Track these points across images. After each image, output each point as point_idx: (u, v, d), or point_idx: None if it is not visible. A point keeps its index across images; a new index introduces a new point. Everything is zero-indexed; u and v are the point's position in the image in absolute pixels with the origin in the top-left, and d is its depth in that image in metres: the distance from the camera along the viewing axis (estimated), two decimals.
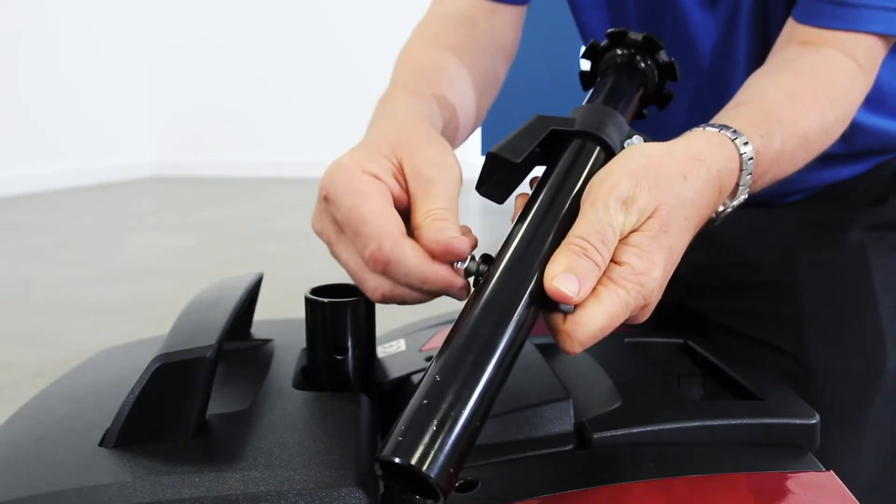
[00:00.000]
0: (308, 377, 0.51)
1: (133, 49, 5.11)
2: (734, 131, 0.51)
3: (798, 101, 0.59)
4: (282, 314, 0.66)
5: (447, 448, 0.33)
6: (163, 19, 5.16)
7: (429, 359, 0.59)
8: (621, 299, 0.41)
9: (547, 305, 0.40)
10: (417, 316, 0.76)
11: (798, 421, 0.46)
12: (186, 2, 5.11)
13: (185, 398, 0.41)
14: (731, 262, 0.81)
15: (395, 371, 0.58)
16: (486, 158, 0.47)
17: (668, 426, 0.45)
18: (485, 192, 0.49)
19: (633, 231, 0.43)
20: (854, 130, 0.72)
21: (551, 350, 0.56)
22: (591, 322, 0.40)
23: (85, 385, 0.51)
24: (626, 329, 0.72)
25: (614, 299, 0.40)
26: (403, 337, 0.67)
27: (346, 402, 0.46)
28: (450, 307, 0.79)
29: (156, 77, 5.26)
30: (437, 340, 0.64)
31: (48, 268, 2.53)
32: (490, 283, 0.39)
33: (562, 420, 0.45)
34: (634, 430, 0.45)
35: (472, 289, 0.43)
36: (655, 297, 0.43)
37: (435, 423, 0.33)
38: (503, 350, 0.37)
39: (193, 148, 5.33)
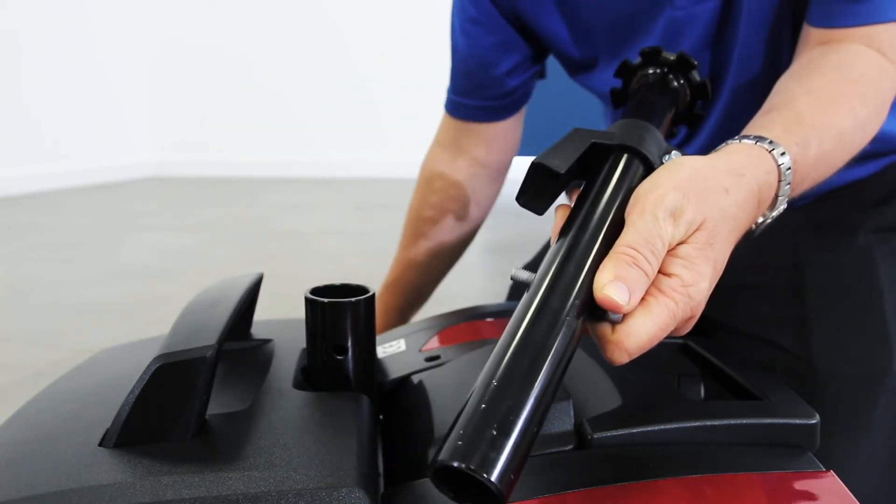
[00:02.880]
0: (308, 377, 0.51)
1: (133, 49, 5.10)
2: (771, 142, 0.51)
3: (829, 101, 0.58)
4: (282, 314, 0.66)
5: (507, 452, 0.32)
6: (163, 19, 5.16)
7: (429, 359, 0.59)
8: (670, 310, 0.41)
9: (595, 315, 0.40)
10: (418, 316, 0.76)
11: (798, 421, 0.46)
12: (186, 2, 5.11)
13: (185, 398, 0.41)
14: (735, 262, 0.81)
15: (395, 371, 0.58)
16: (531, 168, 0.47)
17: (667, 426, 0.45)
18: (524, 202, 0.49)
19: (680, 243, 0.43)
20: None
21: None
22: (640, 332, 0.40)
23: (85, 385, 0.51)
24: None
25: (663, 310, 0.41)
26: (403, 337, 0.67)
27: (346, 402, 0.46)
28: (450, 308, 0.79)
29: (156, 77, 5.25)
30: (438, 340, 0.64)
31: (48, 268, 2.53)
32: (540, 290, 0.39)
33: (562, 420, 0.45)
34: (634, 431, 0.45)
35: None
36: (700, 310, 0.43)
37: (495, 427, 0.32)
38: (556, 356, 0.36)
39: (193, 148, 5.33)
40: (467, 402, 0.34)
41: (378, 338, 0.54)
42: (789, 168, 0.51)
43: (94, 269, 2.50)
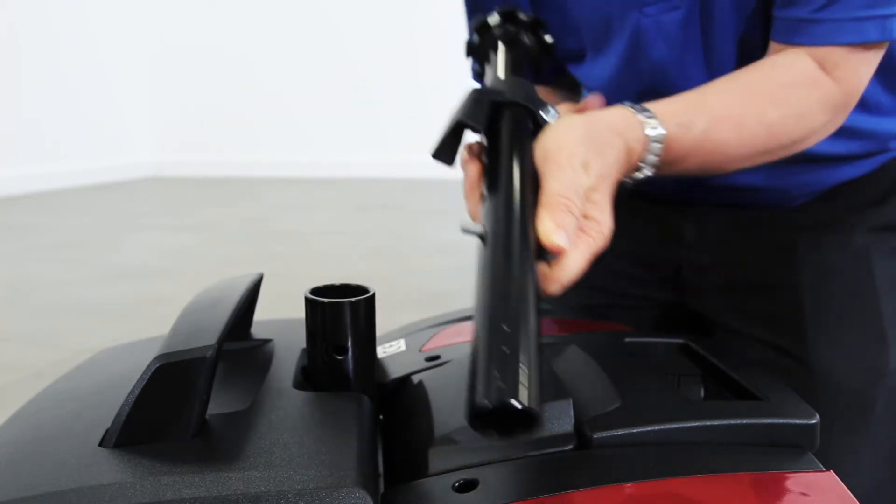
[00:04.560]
0: (308, 377, 0.51)
1: (133, 49, 5.11)
2: (650, 116, 0.58)
3: (740, 95, 0.64)
4: (282, 314, 0.66)
5: (536, 382, 0.36)
6: (163, 20, 5.16)
7: (429, 359, 0.59)
8: (591, 247, 0.49)
9: (536, 256, 0.47)
10: (418, 316, 0.76)
11: (798, 421, 0.46)
12: (186, 2, 5.11)
13: (185, 398, 0.41)
14: (733, 262, 0.81)
15: (395, 371, 0.58)
16: (454, 127, 0.55)
17: (667, 426, 0.45)
18: (441, 157, 0.57)
19: (591, 190, 0.51)
20: (852, 133, 0.72)
21: (551, 350, 0.56)
22: (572, 266, 0.48)
23: (85, 385, 0.51)
24: (626, 329, 0.72)
25: (586, 247, 0.49)
26: (403, 337, 0.67)
27: (346, 402, 0.46)
28: (450, 308, 0.79)
29: (156, 77, 5.25)
30: (437, 340, 0.64)
31: (48, 268, 2.53)
32: (500, 243, 0.45)
33: (562, 420, 0.45)
34: (634, 431, 0.45)
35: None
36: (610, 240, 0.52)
37: (522, 363, 0.37)
38: (534, 295, 0.42)
39: (193, 148, 5.33)
40: (480, 347, 0.38)
41: (378, 338, 0.54)
42: (658, 143, 0.58)
43: (94, 269, 2.50)
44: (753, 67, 0.66)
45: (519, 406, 0.35)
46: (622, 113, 0.58)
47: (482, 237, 0.47)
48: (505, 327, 0.38)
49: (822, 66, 0.64)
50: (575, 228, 0.48)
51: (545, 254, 0.47)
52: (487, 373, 0.36)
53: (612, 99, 0.72)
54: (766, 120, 0.63)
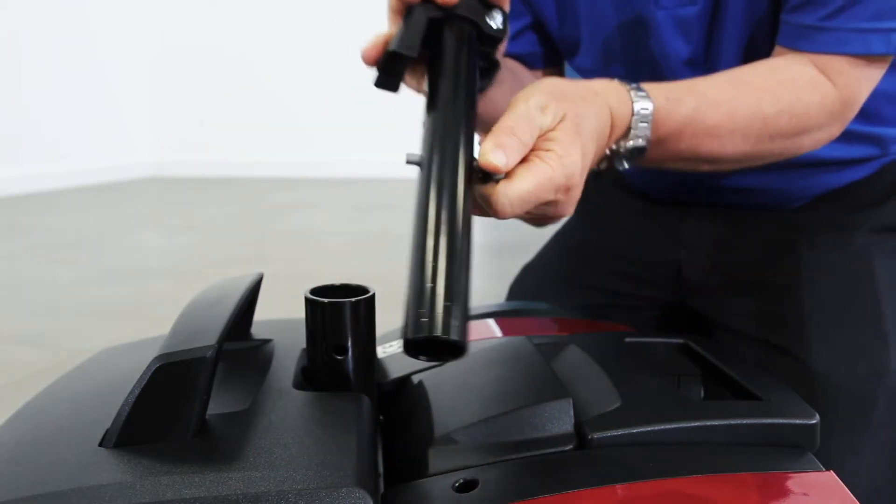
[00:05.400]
0: (308, 377, 0.51)
1: (133, 50, 5.10)
2: (637, 87, 0.59)
3: (736, 86, 0.64)
4: (282, 314, 0.66)
5: (461, 315, 0.40)
6: (163, 20, 5.16)
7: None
8: (546, 173, 0.48)
9: (483, 179, 0.48)
10: None
11: (798, 421, 0.46)
12: (186, 2, 5.11)
13: (185, 398, 0.41)
14: (733, 262, 0.81)
15: (395, 371, 0.58)
16: (387, 57, 0.55)
17: (667, 426, 0.45)
18: (382, 86, 0.57)
19: (550, 130, 0.51)
20: (854, 138, 0.73)
21: (551, 350, 0.56)
22: (520, 184, 0.47)
23: (85, 385, 0.51)
24: (626, 329, 0.72)
25: (539, 170, 0.48)
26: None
27: (346, 402, 0.46)
28: None
29: (156, 77, 5.25)
30: None
31: (48, 268, 2.53)
32: (433, 170, 0.45)
33: (562, 420, 0.45)
34: (634, 431, 0.45)
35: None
36: (577, 186, 0.51)
37: (447, 299, 0.40)
38: (466, 224, 0.43)
39: (193, 148, 5.32)
40: (413, 279, 0.41)
41: (378, 338, 0.54)
42: (647, 109, 0.58)
43: (94, 269, 2.50)
44: (752, 64, 0.66)
45: (442, 338, 0.38)
46: (609, 81, 0.59)
47: (420, 165, 0.47)
48: (430, 259, 0.41)
49: (824, 72, 0.65)
50: (518, 149, 0.48)
51: (493, 176, 0.48)
52: (413, 307, 0.39)
53: None
54: (761, 112, 0.63)
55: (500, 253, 2.74)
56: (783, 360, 0.73)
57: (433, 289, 0.40)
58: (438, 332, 0.39)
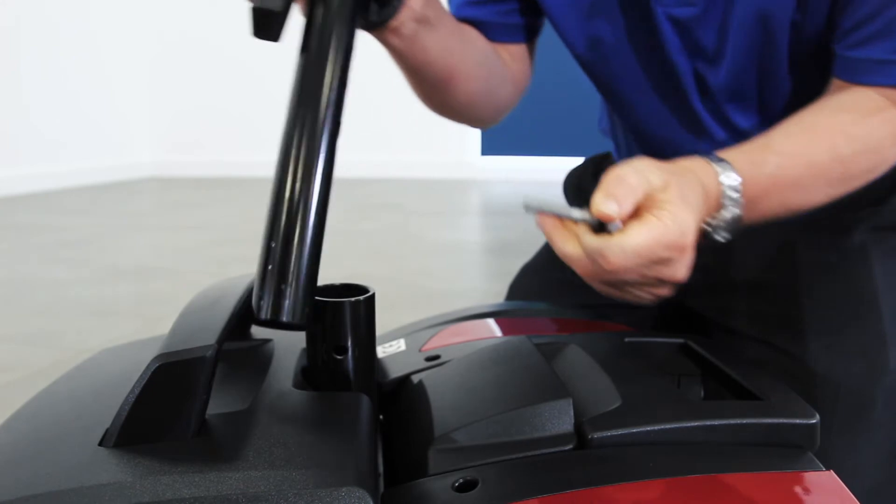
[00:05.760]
0: (308, 377, 0.51)
1: (133, 49, 5.10)
2: (717, 158, 0.60)
3: (808, 133, 0.64)
4: None
5: (301, 296, 0.44)
6: (163, 19, 5.16)
7: (429, 359, 0.59)
8: (661, 227, 0.49)
9: (598, 230, 0.50)
10: (418, 316, 0.76)
11: (798, 421, 0.46)
12: (186, 2, 5.11)
13: (185, 398, 0.41)
14: (732, 262, 0.81)
15: (395, 371, 0.58)
16: (254, 14, 0.57)
17: (667, 426, 0.45)
18: (261, 37, 0.59)
19: (659, 192, 0.51)
20: None
21: (551, 350, 0.56)
22: (635, 236, 0.48)
23: (85, 385, 0.51)
24: (627, 329, 0.72)
25: (655, 224, 0.49)
26: (403, 337, 0.67)
27: (346, 402, 0.46)
28: (450, 308, 0.79)
29: (156, 77, 5.25)
30: (437, 340, 0.64)
31: (48, 268, 2.53)
32: (284, 156, 0.47)
33: (562, 420, 0.45)
34: (634, 430, 0.45)
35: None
36: (689, 247, 0.51)
37: (285, 282, 0.44)
38: (320, 205, 0.46)
39: (193, 148, 5.32)
40: (262, 257, 0.44)
41: (378, 338, 0.54)
42: (734, 180, 0.58)
43: (94, 269, 2.50)
44: (819, 107, 0.66)
45: (283, 320, 0.44)
46: (693, 158, 0.60)
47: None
48: (273, 244, 0.44)
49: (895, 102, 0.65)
50: (630, 198, 0.49)
51: (608, 226, 0.50)
52: (258, 289, 0.44)
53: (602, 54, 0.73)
54: (839, 156, 0.64)
55: (500, 252, 2.74)
56: (783, 360, 0.73)
57: (270, 271, 0.44)
58: (278, 315, 0.44)
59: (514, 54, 0.86)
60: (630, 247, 0.48)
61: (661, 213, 0.50)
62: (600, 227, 0.50)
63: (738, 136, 0.78)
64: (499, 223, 3.55)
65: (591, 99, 0.92)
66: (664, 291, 0.55)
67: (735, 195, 0.58)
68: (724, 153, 0.61)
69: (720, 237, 0.60)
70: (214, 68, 5.16)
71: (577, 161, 1.04)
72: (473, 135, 4.87)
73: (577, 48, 0.81)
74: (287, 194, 0.46)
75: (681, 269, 0.52)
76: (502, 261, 2.51)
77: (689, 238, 0.51)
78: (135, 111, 5.19)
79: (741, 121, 0.78)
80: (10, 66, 4.25)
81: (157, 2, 5.13)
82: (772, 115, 0.75)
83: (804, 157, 0.63)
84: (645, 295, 0.56)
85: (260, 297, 0.44)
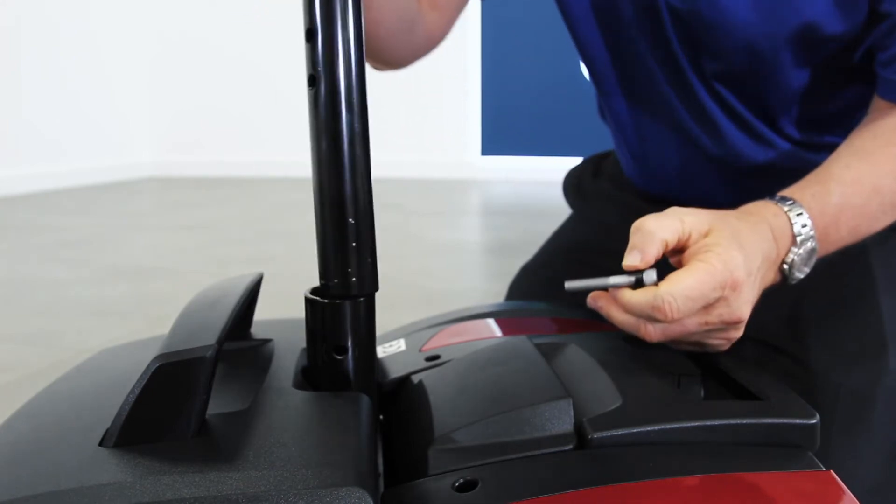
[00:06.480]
0: (308, 377, 0.51)
1: (133, 49, 5.10)
2: (780, 197, 0.61)
3: (867, 159, 0.65)
4: (282, 314, 0.66)
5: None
6: (163, 19, 5.16)
7: (429, 359, 0.59)
8: (706, 268, 0.49)
9: (636, 285, 0.51)
10: (418, 316, 0.76)
11: (798, 421, 0.46)
12: (186, 2, 5.11)
13: (185, 398, 0.41)
14: None
15: (395, 371, 0.58)
16: None
17: (667, 426, 0.45)
18: None
19: (704, 237, 0.52)
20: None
21: (551, 350, 0.56)
22: (679, 285, 0.49)
23: (85, 385, 0.51)
24: None
25: (700, 266, 0.50)
26: (403, 337, 0.67)
27: (346, 402, 0.46)
28: (450, 308, 0.79)
29: (156, 77, 5.25)
30: (437, 340, 0.64)
31: (48, 268, 2.53)
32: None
33: (562, 420, 0.45)
34: (634, 430, 0.45)
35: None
36: (744, 283, 0.51)
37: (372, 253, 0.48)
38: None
39: (193, 148, 5.32)
40: (336, 235, 0.47)
41: (378, 338, 0.54)
42: (801, 213, 0.59)
43: (94, 269, 2.50)
44: (870, 132, 0.68)
45: (375, 291, 0.47)
46: (755, 202, 0.61)
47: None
48: (351, 221, 0.47)
49: None
50: (653, 246, 0.51)
51: (643, 281, 0.52)
52: (340, 267, 0.47)
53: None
54: None
55: (500, 252, 2.74)
56: (782, 360, 0.73)
57: (354, 248, 0.47)
58: (364, 290, 0.47)
59: (434, 3, 0.85)
60: (678, 291, 0.49)
61: (706, 255, 0.51)
62: (639, 284, 0.52)
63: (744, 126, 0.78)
64: (499, 223, 3.55)
65: (590, 99, 0.92)
66: (735, 333, 0.55)
67: (806, 229, 0.59)
68: (784, 192, 0.62)
69: (800, 274, 0.60)
70: (214, 68, 5.16)
71: (577, 161, 1.04)
72: (474, 135, 4.88)
73: (591, 49, 0.82)
74: (358, 170, 0.46)
75: (740, 307, 0.52)
76: (502, 261, 2.51)
77: (739, 274, 0.51)
78: (135, 111, 5.20)
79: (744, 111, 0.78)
80: (10, 66, 4.25)
81: (157, 2, 5.13)
82: (784, 96, 0.76)
83: (866, 183, 0.64)
84: (717, 341, 0.56)
85: (345, 275, 0.46)
